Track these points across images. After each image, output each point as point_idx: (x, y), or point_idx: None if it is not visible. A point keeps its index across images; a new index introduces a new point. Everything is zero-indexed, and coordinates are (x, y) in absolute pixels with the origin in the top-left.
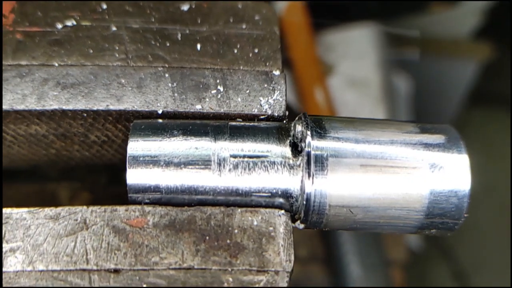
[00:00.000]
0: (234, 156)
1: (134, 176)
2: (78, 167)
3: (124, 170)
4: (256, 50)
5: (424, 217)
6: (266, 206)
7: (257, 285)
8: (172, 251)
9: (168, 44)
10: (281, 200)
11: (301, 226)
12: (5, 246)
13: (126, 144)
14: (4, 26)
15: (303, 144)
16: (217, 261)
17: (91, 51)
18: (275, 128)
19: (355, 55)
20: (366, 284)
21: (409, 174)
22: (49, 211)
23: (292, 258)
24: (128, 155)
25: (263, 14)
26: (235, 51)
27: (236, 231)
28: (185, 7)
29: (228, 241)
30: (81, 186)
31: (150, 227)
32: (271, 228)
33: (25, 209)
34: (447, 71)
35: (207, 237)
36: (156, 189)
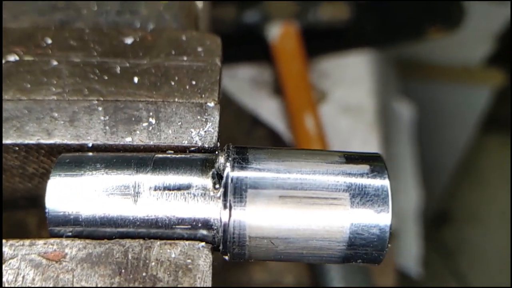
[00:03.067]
0: (155, 189)
1: (54, 209)
2: (33, 196)
3: None
4: (193, 82)
5: (346, 248)
6: (188, 239)
7: None
8: (86, 284)
9: (106, 78)
10: (203, 232)
11: (226, 257)
12: None
13: None
14: None
15: (223, 176)
16: None
17: (29, 85)
18: (200, 160)
19: (349, 82)
20: None
21: (330, 205)
22: None
23: None
24: (47, 189)
25: (206, 46)
26: (172, 83)
27: (153, 263)
28: (129, 40)
29: (144, 274)
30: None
31: (66, 260)
32: (189, 261)
33: None
34: (460, 98)
35: (123, 270)
36: (76, 221)
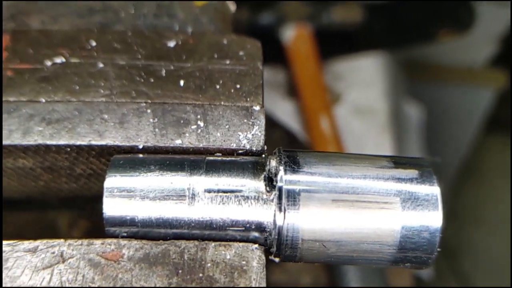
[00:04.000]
0: (209, 191)
1: (111, 210)
2: (76, 196)
3: None
4: (238, 86)
5: (396, 251)
6: (240, 240)
7: None
8: (145, 284)
9: (152, 80)
10: (255, 234)
11: (276, 259)
12: None
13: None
14: None
15: (276, 179)
16: None
17: (77, 87)
18: (251, 163)
19: (362, 84)
20: None
21: (381, 209)
22: (28, 244)
23: None
24: (104, 189)
25: (247, 49)
26: (217, 86)
27: (209, 265)
28: (171, 43)
29: (201, 274)
30: (80, 214)
31: (124, 260)
32: (243, 262)
33: (6, 242)
34: (463, 99)
35: (180, 271)
36: (132, 222)
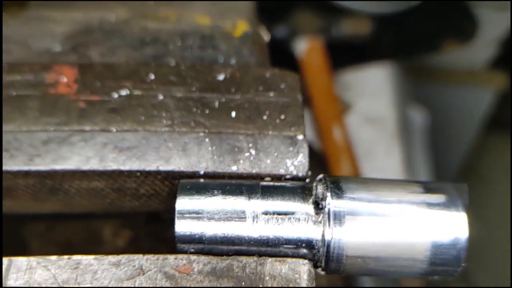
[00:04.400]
0: (265, 213)
1: (182, 229)
2: (135, 213)
3: (163, 218)
4: (282, 117)
5: (427, 266)
6: (292, 256)
7: None
8: None
9: (207, 112)
10: (304, 251)
11: (322, 272)
12: None
13: (171, 197)
14: (69, 95)
15: (323, 203)
16: None
17: (143, 117)
18: (300, 187)
19: (371, 93)
20: None
21: (414, 229)
22: (112, 258)
23: None
24: (176, 211)
25: (288, 82)
26: (264, 117)
27: (267, 278)
28: (221, 77)
29: (261, 285)
30: (123, 224)
31: (195, 273)
32: (296, 276)
33: (92, 256)
34: (464, 100)
35: (243, 283)
36: (200, 240)
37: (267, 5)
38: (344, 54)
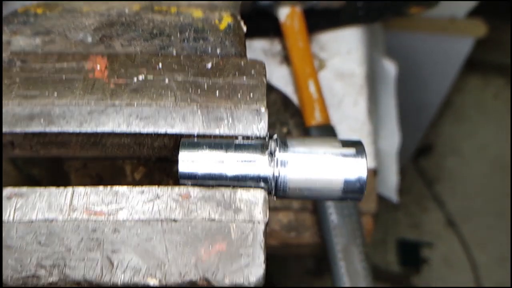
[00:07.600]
0: (237, 161)
1: (183, 170)
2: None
3: (168, 159)
4: (251, 95)
5: (341, 193)
6: (254, 187)
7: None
8: (204, 211)
9: (199, 92)
10: (262, 184)
11: (274, 198)
12: (116, 206)
13: (175, 149)
14: (103, 78)
15: (275, 153)
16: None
17: (155, 96)
18: (260, 144)
19: (343, 52)
20: (342, 229)
21: (333, 171)
22: (138, 188)
23: (267, 216)
24: (179, 158)
25: (256, 69)
26: (239, 95)
27: (237, 200)
28: (209, 65)
29: (233, 206)
30: (139, 163)
31: (192, 198)
32: (256, 199)
33: (125, 187)
34: (444, 47)
35: (222, 204)
36: (195, 177)
37: None
38: (320, 19)
